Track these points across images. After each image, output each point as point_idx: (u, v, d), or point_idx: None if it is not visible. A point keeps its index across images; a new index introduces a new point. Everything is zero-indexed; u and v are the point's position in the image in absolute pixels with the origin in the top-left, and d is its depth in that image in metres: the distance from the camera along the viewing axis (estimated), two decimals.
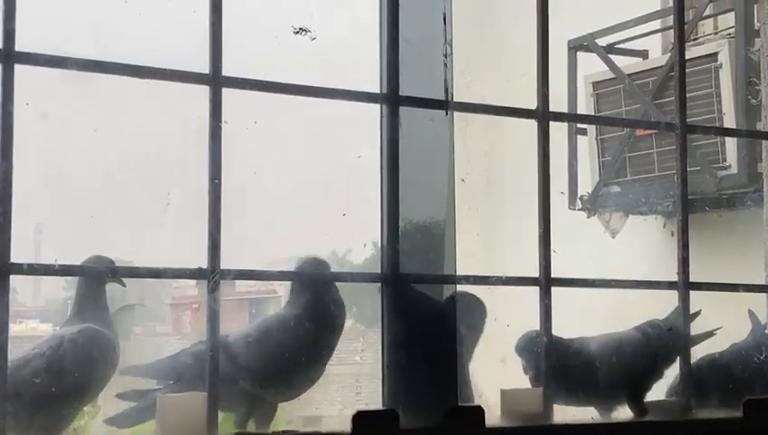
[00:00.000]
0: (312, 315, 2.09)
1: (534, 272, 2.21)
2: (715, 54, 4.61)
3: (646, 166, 4.91)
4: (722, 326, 2.58)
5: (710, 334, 2.54)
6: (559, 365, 2.23)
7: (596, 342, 2.42)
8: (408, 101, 2.04)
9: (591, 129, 5.22)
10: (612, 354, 2.40)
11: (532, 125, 2.24)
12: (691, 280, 2.40)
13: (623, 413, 2.43)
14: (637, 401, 2.38)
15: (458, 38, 2.14)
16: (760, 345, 2.60)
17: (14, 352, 1.94)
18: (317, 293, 2.10)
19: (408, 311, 2.02)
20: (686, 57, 2.54)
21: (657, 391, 2.47)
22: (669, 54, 4.91)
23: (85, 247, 1.98)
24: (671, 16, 3.92)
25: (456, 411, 2.01)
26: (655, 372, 2.43)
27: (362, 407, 2.04)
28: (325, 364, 2.11)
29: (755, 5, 4.52)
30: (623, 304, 2.66)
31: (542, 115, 2.23)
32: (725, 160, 4.55)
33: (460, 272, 2.14)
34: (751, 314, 2.66)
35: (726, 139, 4.57)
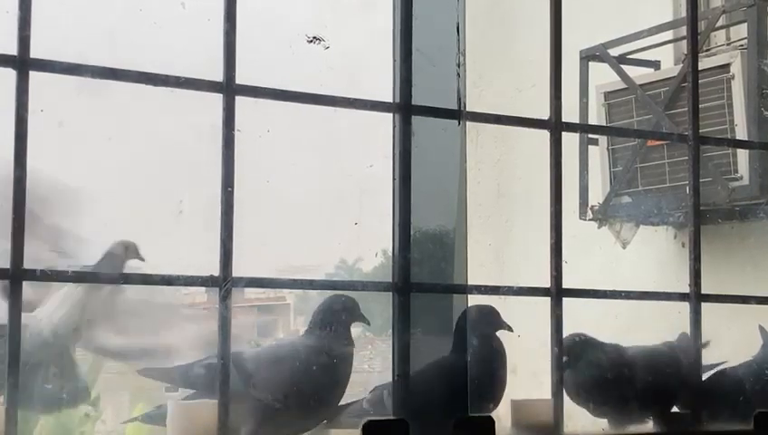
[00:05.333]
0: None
1: (546, 282, 2.21)
2: (728, 66, 4.60)
3: (657, 177, 4.90)
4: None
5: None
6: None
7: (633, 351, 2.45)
8: (420, 111, 2.04)
9: (603, 139, 5.21)
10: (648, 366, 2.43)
11: (543, 135, 2.24)
12: (703, 292, 2.39)
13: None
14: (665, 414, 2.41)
15: (471, 48, 2.15)
16: None
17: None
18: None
19: (419, 320, 2.02)
20: (699, 68, 2.54)
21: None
22: (681, 65, 4.90)
23: (97, 255, 1.99)
24: (684, 27, 3.91)
25: (467, 422, 2.01)
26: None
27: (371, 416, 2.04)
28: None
29: None
30: (633, 315, 2.66)
31: (555, 125, 2.23)
32: (737, 172, 4.54)
33: (471, 282, 2.14)
34: (761, 329, 2.65)
35: (738, 150, 4.56)
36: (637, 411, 2.40)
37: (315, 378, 2.09)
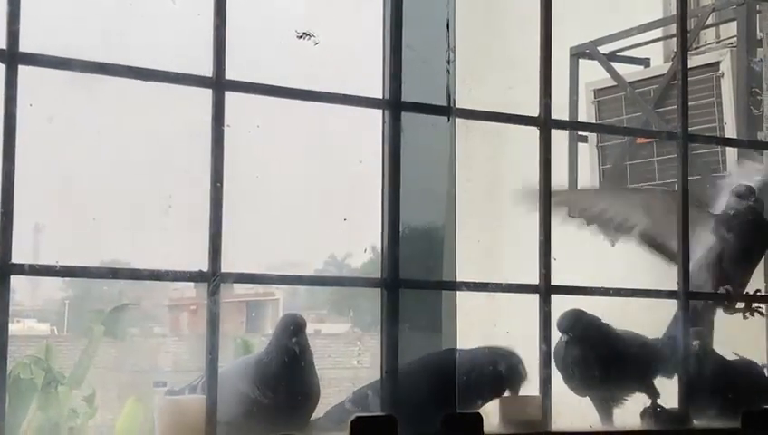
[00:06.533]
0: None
1: (534, 279, 2.21)
2: (717, 64, 4.62)
3: (646, 174, 4.92)
4: None
5: None
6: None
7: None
8: (410, 107, 2.05)
9: (592, 136, 5.23)
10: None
11: (533, 132, 2.25)
12: (691, 289, 2.40)
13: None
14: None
15: (461, 44, 2.15)
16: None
17: None
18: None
19: (407, 316, 2.03)
20: (688, 66, 2.54)
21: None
22: (671, 63, 4.92)
23: (87, 248, 1.98)
24: (673, 25, 3.92)
25: (455, 418, 2.01)
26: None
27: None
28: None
29: (758, 15, 4.53)
30: (622, 312, 2.67)
31: (544, 123, 2.23)
32: (726, 169, 4.56)
33: (460, 278, 2.14)
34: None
35: (727, 148, 4.57)
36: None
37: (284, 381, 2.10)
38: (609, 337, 2.47)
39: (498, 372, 2.27)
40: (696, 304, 2.58)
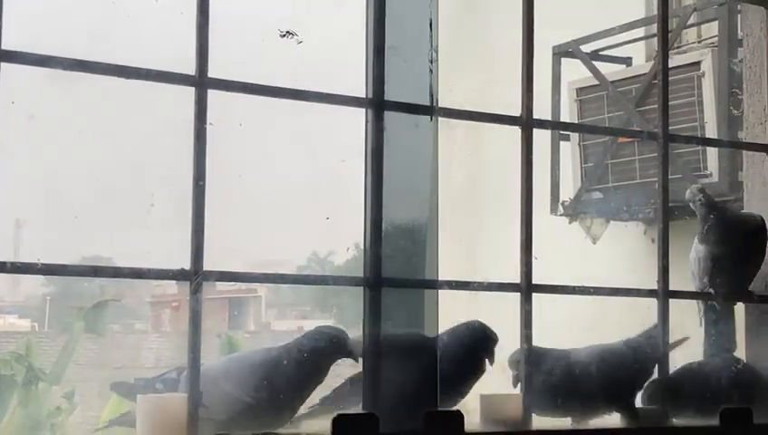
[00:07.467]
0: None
1: (516, 277, 2.22)
2: (698, 63, 4.65)
3: (627, 173, 4.94)
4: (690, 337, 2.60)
5: (683, 340, 2.54)
6: (544, 376, 2.26)
7: (581, 353, 2.44)
8: (393, 107, 2.05)
9: (574, 135, 5.25)
10: (595, 365, 2.42)
11: (515, 130, 2.25)
12: (671, 288, 2.41)
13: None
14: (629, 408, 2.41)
15: (444, 44, 2.15)
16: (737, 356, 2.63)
17: None
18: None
19: (389, 314, 2.03)
20: (670, 65, 2.56)
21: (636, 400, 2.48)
22: (653, 62, 4.95)
23: (68, 246, 1.98)
24: (655, 24, 3.94)
25: (436, 416, 2.01)
26: (639, 381, 2.46)
27: (341, 409, 2.05)
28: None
29: (739, 15, 4.56)
30: (603, 308, 2.68)
31: (526, 123, 2.24)
32: (707, 169, 4.58)
33: (442, 277, 2.14)
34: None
35: (708, 147, 4.60)
36: (594, 409, 2.42)
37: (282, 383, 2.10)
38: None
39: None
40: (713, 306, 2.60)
